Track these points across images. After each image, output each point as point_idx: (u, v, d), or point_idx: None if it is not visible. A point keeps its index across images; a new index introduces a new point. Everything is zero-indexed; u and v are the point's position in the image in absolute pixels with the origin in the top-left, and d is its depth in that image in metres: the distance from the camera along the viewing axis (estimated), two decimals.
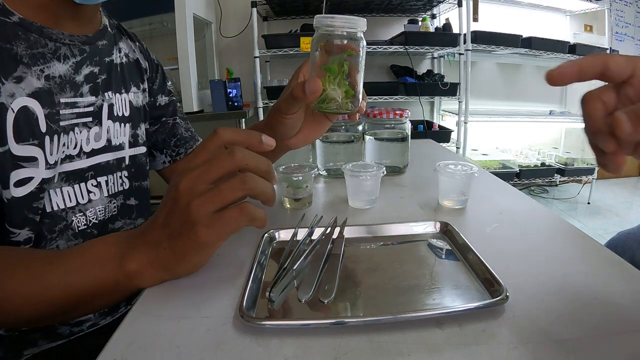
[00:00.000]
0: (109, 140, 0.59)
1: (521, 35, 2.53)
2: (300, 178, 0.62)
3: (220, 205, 0.37)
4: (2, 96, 0.44)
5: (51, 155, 0.49)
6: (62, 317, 0.44)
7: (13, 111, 0.45)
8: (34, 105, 0.47)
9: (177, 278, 0.42)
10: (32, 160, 0.47)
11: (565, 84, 0.33)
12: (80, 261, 0.41)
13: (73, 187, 0.53)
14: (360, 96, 0.47)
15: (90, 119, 0.55)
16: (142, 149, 0.66)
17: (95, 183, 0.57)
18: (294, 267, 0.42)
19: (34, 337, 0.53)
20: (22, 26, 0.47)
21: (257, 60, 2.25)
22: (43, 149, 0.48)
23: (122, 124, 0.62)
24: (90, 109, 0.56)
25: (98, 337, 0.33)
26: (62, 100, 0.51)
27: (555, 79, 0.33)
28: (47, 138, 0.48)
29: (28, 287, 0.38)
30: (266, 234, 0.50)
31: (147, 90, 0.69)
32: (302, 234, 0.50)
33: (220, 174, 0.37)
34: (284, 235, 0.51)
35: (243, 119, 2.24)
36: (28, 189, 0.46)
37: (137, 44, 0.69)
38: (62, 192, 0.52)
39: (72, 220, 0.53)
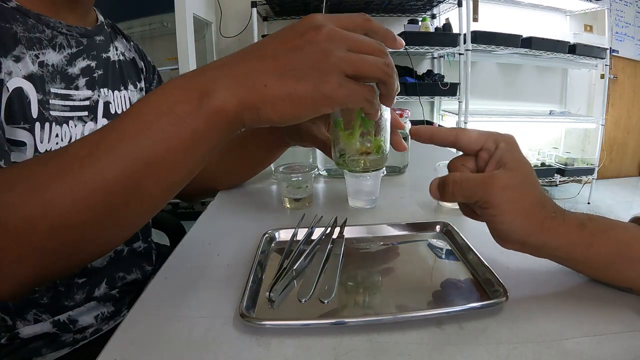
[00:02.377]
0: None
1: (521, 35, 2.53)
2: (300, 178, 0.62)
3: (358, 73, 0.33)
4: (2, 72, 0.44)
5: (41, 143, 0.48)
6: (121, 212, 0.33)
7: (8, 90, 0.44)
8: (29, 89, 0.46)
9: (257, 125, 0.34)
10: (21, 144, 0.46)
11: (422, 142, 0.42)
12: (137, 126, 0.32)
13: None
14: (387, 146, 0.44)
15: (86, 113, 0.55)
16: None
17: None
18: (294, 267, 0.42)
19: (36, 345, 0.51)
20: (19, 11, 0.47)
21: None
22: (33, 134, 0.47)
23: None
24: (86, 102, 0.55)
25: (103, 345, 0.32)
26: (53, 90, 0.50)
27: (412, 134, 0.41)
28: (37, 124, 0.47)
29: (65, 183, 0.30)
30: (266, 234, 0.50)
31: (144, 89, 0.69)
32: (302, 234, 0.50)
33: (366, 57, 0.34)
34: (284, 235, 0.51)
35: None
36: None
37: (132, 44, 0.69)
38: None
39: None
